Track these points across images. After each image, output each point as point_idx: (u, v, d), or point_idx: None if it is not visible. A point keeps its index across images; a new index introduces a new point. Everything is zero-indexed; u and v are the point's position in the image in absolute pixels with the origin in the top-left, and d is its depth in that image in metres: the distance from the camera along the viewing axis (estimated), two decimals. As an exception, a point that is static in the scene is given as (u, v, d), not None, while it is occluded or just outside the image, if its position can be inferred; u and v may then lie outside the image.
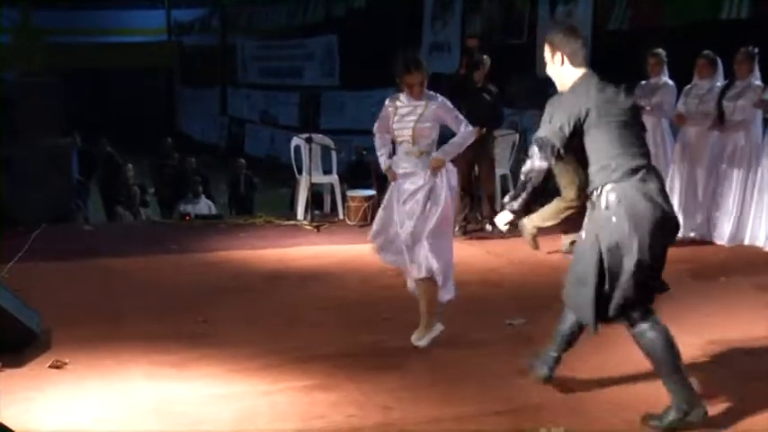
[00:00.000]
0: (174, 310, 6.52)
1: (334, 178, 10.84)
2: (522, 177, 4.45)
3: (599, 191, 4.27)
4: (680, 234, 8.80)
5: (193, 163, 15.80)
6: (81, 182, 14.34)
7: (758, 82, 8.30)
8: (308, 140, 10.26)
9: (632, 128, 4.35)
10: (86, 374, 5.10)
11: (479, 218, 9.56)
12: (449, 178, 5.56)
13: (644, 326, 4.38)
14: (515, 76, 13.68)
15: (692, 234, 8.83)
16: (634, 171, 4.22)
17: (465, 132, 5.64)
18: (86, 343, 5.61)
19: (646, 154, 4.35)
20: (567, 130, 4.25)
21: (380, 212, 5.77)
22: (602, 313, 4.33)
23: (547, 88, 8.63)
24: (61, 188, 10.65)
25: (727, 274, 7.36)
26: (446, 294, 5.56)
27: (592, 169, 4.33)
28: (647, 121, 9.15)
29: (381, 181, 11.17)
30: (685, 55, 8.88)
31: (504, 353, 5.43)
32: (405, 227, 5.50)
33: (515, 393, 4.78)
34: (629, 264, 4.23)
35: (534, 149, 4.34)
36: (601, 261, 4.25)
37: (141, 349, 5.53)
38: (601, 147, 4.27)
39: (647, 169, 4.28)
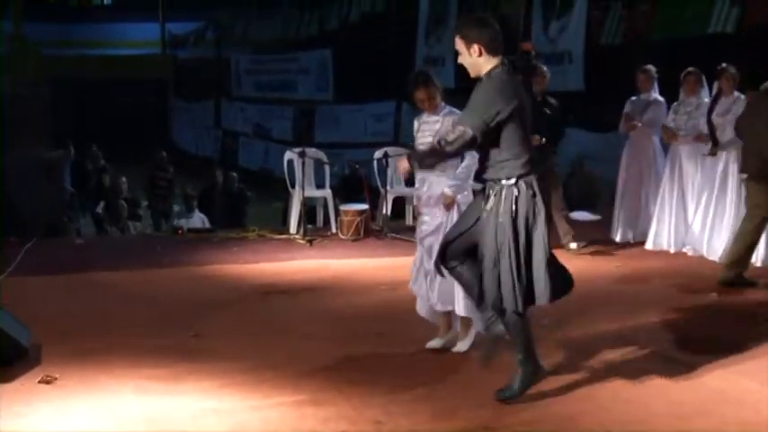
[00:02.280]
0: (166, 324, 6.50)
1: (327, 192, 10.85)
2: (444, 146, 4.59)
3: (512, 181, 4.53)
4: (673, 250, 8.95)
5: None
6: (73, 194, 14.34)
7: (743, 96, 8.34)
8: (301, 154, 10.27)
9: (527, 125, 4.66)
10: (76, 389, 5.08)
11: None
12: (461, 211, 5.53)
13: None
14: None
15: (685, 250, 8.86)
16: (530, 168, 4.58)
17: (471, 160, 5.57)
18: (77, 358, 5.59)
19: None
20: (491, 125, 4.48)
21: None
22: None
23: (542, 101, 8.70)
24: (54, 200, 10.63)
25: (718, 290, 7.36)
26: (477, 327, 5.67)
27: (499, 158, 4.55)
28: (639, 137, 9.25)
29: (374, 195, 11.21)
30: (676, 70, 8.92)
31: (497, 366, 5.41)
32: (425, 262, 5.66)
33: (507, 408, 4.77)
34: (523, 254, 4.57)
35: (463, 134, 4.49)
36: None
37: (132, 364, 5.50)
38: (515, 139, 4.52)
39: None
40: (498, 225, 4.54)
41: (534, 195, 4.56)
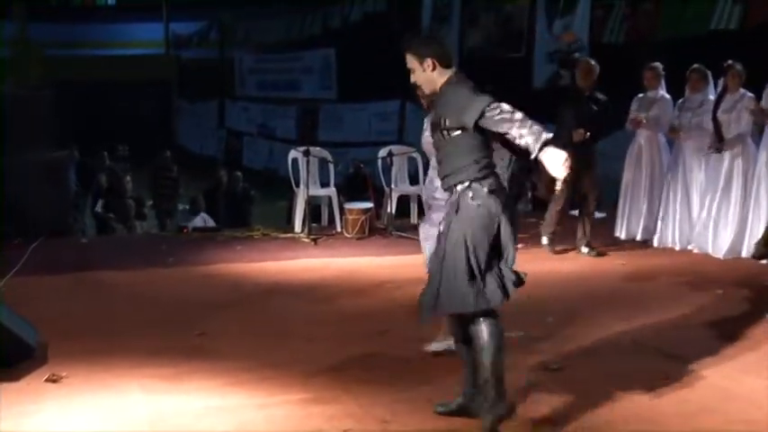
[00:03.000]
0: (171, 323, 6.51)
1: (331, 191, 10.85)
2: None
3: (466, 185, 4.37)
4: (677, 247, 8.94)
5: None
6: (78, 195, 14.34)
7: (749, 94, 8.34)
8: (306, 153, 10.28)
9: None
10: (83, 388, 5.10)
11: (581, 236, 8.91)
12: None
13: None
14: (512, 89, 13.72)
15: (690, 247, 8.86)
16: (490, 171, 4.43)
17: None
18: (83, 356, 5.60)
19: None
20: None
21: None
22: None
23: (544, 100, 8.69)
24: (58, 201, 10.65)
25: (723, 287, 7.36)
26: None
27: (458, 164, 4.41)
28: (645, 134, 9.25)
29: (378, 193, 11.22)
30: (680, 67, 8.92)
31: (506, 367, 5.41)
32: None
33: (511, 406, 4.77)
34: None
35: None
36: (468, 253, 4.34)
37: (138, 362, 5.52)
38: (475, 144, 4.39)
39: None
40: (450, 226, 4.41)
41: (491, 192, 4.37)
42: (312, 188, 10.40)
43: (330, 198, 10.87)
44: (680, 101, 8.85)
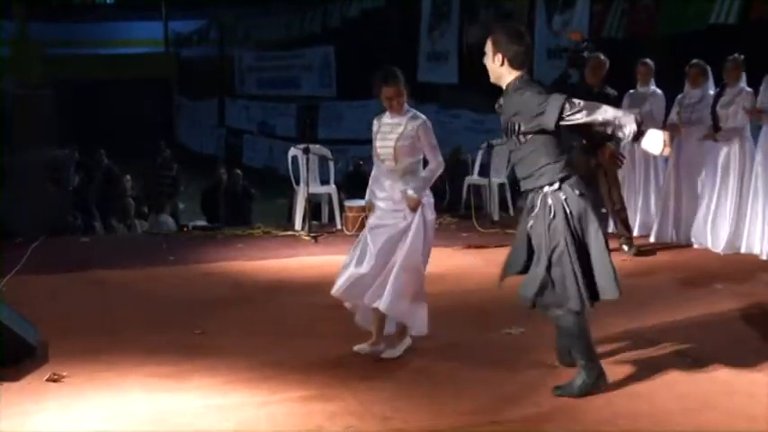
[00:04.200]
0: (172, 321, 6.51)
1: (331, 188, 10.85)
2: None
3: (555, 186, 4.59)
4: (676, 241, 8.95)
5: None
6: (78, 193, 14.34)
7: (748, 88, 8.34)
8: (306, 151, 10.27)
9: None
10: (84, 387, 5.10)
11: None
12: (424, 213, 5.46)
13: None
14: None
15: (689, 242, 8.86)
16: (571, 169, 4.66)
17: (436, 164, 5.53)
18: (84, 355, 5.61)
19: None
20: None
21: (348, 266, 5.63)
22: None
23: (598, 92, 8.61)
24: (58, 200, 10.65)
25: (722, 282, 7.36)
26: (414, 331, 5.60)
27: (538, 165, 4.63)
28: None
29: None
30: (679, 63, 8.91)
31: (503, 361, 5.43)
32: (368, 260, 5.45)
33: (512, 402, 4.78)
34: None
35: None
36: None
37: (139, 361, 5.52)
38: (554, 143, 4.60)
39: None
40: (551, 228, 4.59)
41: (581, 195, 4.61)
42: (312, 186, 10.39)
43: (330, 196, 10.86)
44: (679, 96, 8.84)
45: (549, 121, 4.46)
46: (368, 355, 5.53)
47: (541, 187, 4.61)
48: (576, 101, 4.47)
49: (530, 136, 4.58)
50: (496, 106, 4.86)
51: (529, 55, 4.70)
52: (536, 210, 4.64)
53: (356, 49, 20.65)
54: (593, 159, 8.23)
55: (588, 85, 8.43)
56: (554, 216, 4.57)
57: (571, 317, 4.72)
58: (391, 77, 5.44)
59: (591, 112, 4.46)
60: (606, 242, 4.69)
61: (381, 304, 5.39)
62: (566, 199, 4.57)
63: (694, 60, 8.75)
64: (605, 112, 4.46)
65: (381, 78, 5.46)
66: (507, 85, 4.66)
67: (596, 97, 8.19)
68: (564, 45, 14.19)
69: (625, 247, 8.58)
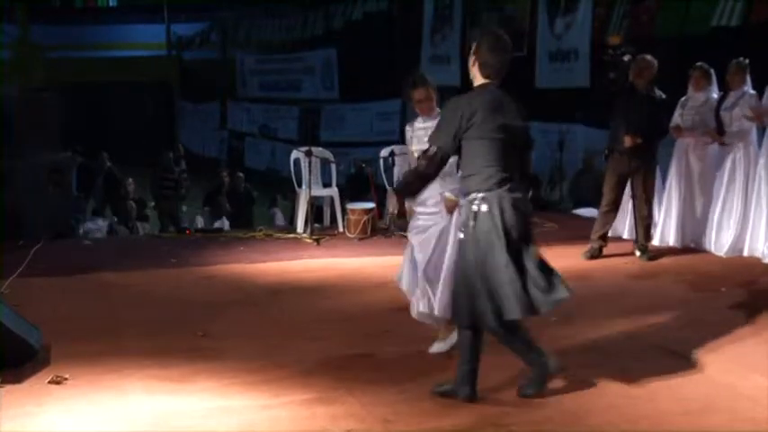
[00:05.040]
0: (174, 324, 6.51)
1: (333, 191, 10.85)
2: (421, 170, 4.68)
3: (472, 196, 4.57)
4: (679, 245, 8.94)
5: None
6: (80, 196, 14.36)
7: (751, 91, 8.34)
8: (308, 154, 10.28)
9: (506, 146, 4.59)
10: (86, 389, 5.10)
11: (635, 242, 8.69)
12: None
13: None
14: (515, 88, 13.70)
15: (692, 245, 8.85)
16: (503, 181, 4.54)
17: None
18: (86, 358, 5.60)
19: (513, 170, 4.61)
20: (456, 139, 4.55)
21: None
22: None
23: (545, 99, 8.64)
24: (60, 203, 10.66)
25: (726, 285, 7.35)
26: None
27: (464, 173, 4.66)
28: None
29: (380, 193, 11.20)
30: (681, 66, 8.90)
31: (504, 364, 5.41)
32: (420, 258, 5.53)
33: (514, 406, 4.77)
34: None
35: (434, 154, 4.60)
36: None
37: (141, 364, 5.52)
38: (479, 155, 4.56)
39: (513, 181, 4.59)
40: (459, 241, 4.62)
41: (502, 213, 4.51)
42: (314, 188, 10.40)
43: (332, 198, 10.87)
44: (682, 99, 8.83)
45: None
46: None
47: (464, 195, 4.67)
48: (443, 140, 4.58)
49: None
50: None
51: (502, 67, 4.66)
52: (454, 218, 4.79)
53: (358, 52, 20.65)
54: (632, 161, 8.24)
55: (634, 87, 8.30)
56: (464, 228, 4.62)
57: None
58: (420, 81, 5.59)
59: (424, 160, 4.65)
60: (520, 264, 4.58)
61: (437, 311, 5.45)
62: (476, 213, 4.54)
63: (698, 63, 8.74)
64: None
65: (410, 83, 5.61)
66: (474, 88, 4.73)
67: (641, 100, 8.17)
68: (565, 48, 14.22)
69: (638, 253, 8.54)
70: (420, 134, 5.62)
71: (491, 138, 4.54)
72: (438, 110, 5.61)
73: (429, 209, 5.56)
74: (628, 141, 8.15)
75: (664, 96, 8.36)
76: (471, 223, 4.55)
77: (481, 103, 4.57)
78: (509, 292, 4.52)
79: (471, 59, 4.70)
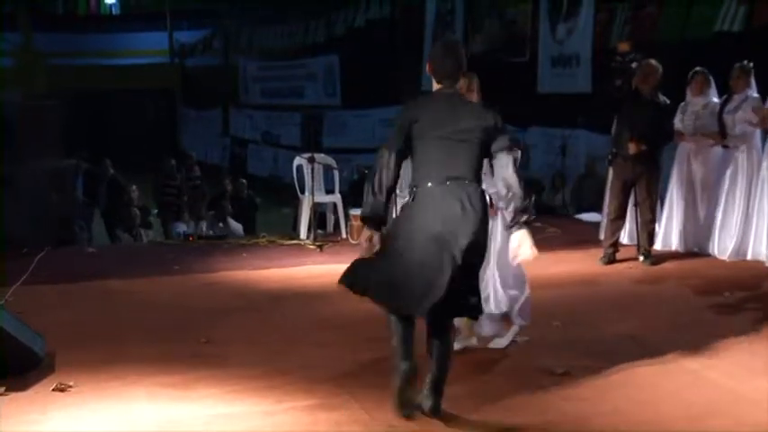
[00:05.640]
0: (177, 330, 6.52)
1: (336, 197, 10.86)
2: (369, 179, 4.80)
3: (406, 191, 4.73)
4: (682, 249, 8.94)
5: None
6: (85, 204, 14.37)
7: (755, 95, 8.34)
8: (311, 160, 10.29)
9: (456, 147, 4.58)
10: (90, 397, 5.10)
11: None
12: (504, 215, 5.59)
13: None
14: (517, 94, 13.72)
15: (695, 249, 8.85)
16: (445, 179, 4.55)
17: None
18: (90, 365, 5.61)
19: (459, 169, 4.59)
20: (401, 139, 4.64)
21: None
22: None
23: (547, 105, 8.63)
24: (64, 210, 10.67)
25: (729, 290, 7.35)
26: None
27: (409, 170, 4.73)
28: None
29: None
30: (685, 70, 8.90)
31: (508, 370, 5.43)
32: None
33: (518, 410, 4.77)
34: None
35: (380, 156, 4.74)
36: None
37: (145, 370, 5.53)
38: (417, 156, 4.64)
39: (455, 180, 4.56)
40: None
41: (409, 204, 4.67)
42: (317, 195, 10.41)
43: (335, 204, 10.88)
44: (681, 104, 8.82)
45: None
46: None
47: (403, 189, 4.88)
48: (390, 142, 4.72)
49: None
50: None
51: (452, 71, 4.72)
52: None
53: (360, 59, 20.68)
54: (637, 167, 8.26)
55: (639, 92, 8.30)
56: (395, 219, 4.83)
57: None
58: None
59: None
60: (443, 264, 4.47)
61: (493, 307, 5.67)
62: (410, 203, 4.68)
63: (697, 68, 8.74)
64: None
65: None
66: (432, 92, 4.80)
67: (646, 105, 8.17)
68: (567, 54, 14.23)
69: (641, 258, 8.53)
70: None
71: (432, 138, 4.59)
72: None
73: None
74: (633, 148, 8.16)
75: (668, 102, 8.36)
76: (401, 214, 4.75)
77: (426, 107, 4.68)
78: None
79: (427, 68, 4.81)
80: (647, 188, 8.39)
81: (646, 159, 8.27)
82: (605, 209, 9.06)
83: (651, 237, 8.57)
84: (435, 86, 4.78)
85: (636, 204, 8.51)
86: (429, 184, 4.56)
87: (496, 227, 5.65)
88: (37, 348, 5.56)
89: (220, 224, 13.77)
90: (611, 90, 8.84)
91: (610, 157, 8.58)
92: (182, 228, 14.79)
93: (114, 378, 5.39)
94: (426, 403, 4.59)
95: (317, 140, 21.19)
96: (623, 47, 9.42)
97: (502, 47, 16.02)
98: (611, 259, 8.53)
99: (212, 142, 28.97)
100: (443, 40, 4.94)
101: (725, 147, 8.54)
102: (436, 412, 4.58)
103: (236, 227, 14.01)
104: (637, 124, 8.18)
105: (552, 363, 5.40)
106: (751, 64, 8.39)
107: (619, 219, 8.56)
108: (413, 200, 4.63)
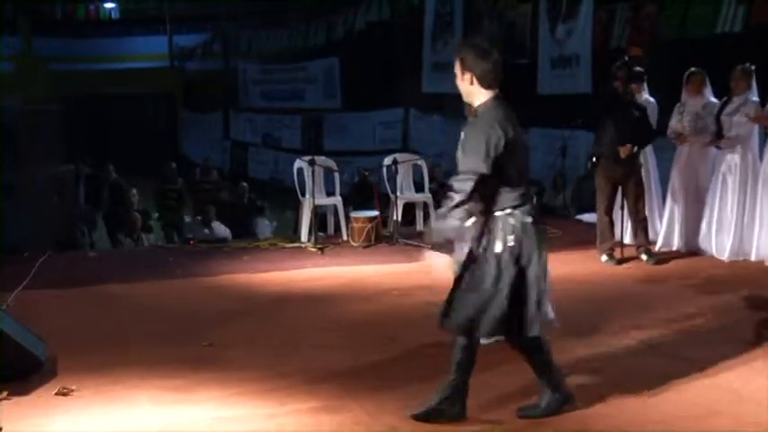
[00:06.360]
0: (179, 334, 6.52)
1: (337, 200, 10.86)
2: (451, 211, 4.34)
3: (506, 212, 4.43)
4: (683, 249, 8.93)
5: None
6: (88, 208, 14.38)
7: (755, 97, 8.33)
8: (311, 163, 10.30)
9: (522, 158, 4.55)
10: (93, 401, 5.11)
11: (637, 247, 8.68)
12: None
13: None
14: (517, 95, 13.71)
15: (695, 249, 8.84)
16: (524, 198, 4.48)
17: None
18: (92, 369, 5.62)
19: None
20: (491, 159, 4.34)
21: None
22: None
23: (548, 106, 8.61)
24: (65, 215, 10.68)
25: (729, 289, 7.35)
26: None
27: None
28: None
29: (384, 201, 11.22)
30: (683, 71, 8.89)
31: (511, 371, 5.42)
32: None
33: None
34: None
35: (468, 183, 4.32)
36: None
37: (147, 374, 5.53)
38: (508, 172, 4.40)
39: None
40: (492, 256, 4.44)
41: (527, 226, 4.45)
42: (318, 197, 10.41)
43: (336, 207, 10.88)
44: (678, 104, 8.81)
45: (460, 166, 4.41)
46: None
47: (493, 212, 4.48)
48: (461, 186, 4.32)
49: None
50: (464, 127, 4.63)
51: (497, 73, 4.51)
52: (485, 235, 4.47)
53: (360, 61, 20.69)
54: (625, 167, 8.28)
55: (619, 95, 8.44)
56: (498, 243, 4.45)
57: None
58: None
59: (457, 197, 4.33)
60: (543, 283, 4.58)
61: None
62: (513, 226, 4.43)
63: (693, 69, 8.74)
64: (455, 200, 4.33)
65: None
66: (478, 107, 4.52)
67: (628, 107, 8.36)
68: (567, 54, 14.22)
69: (644, 257, 8.55)
70: None
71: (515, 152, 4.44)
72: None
73: None
74: (624, 152, 8.23)
75: (647, 103, 8.54)
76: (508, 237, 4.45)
77: (507, 119, 4.46)
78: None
79: (462, 76, 4.52)
80: (636, 187, 8.51)
81: (632, 160, 8.40)
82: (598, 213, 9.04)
83: (647, 232, 8.65)
84: (485, 95, 4.49)
85: (622, 206, 8.61)
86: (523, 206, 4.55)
87: None
88: (39, 353, 5.57)
89: (206, 230, 13.73)
90: (609, 92, 8.81)
91: (594, 159, 8.56)
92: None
93: (116, 382, 5.40)
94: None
95: (317, 143, 21.22)
96: (635, 52, 9.42)
97: (501, 48, 15.98)
98: (618, 258, 8.59)
99: (213, 146, 28.99)
100: (474, 43, 4.62)
101: (718, 148, 8.53)
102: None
103: (222, 231, 13.99)
104: (624, 127, 8.29)
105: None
106: (753, 66, 8.38)
107: (611, 221, 8.67)
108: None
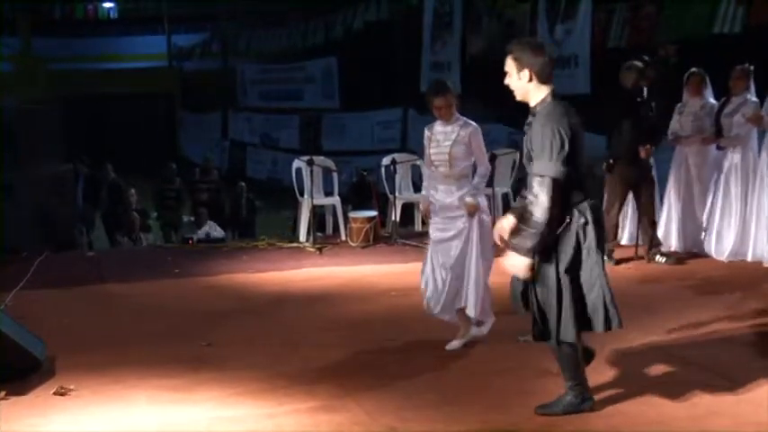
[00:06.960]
0: (178, 334, 6.52)
1: (335, 200, 10.86)
2: (538, 217, 4.32)
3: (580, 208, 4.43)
4: (681, 250, 8.93)
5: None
6: (86, 208, 14.37)
7: (754, 98, 8.33)
8: (310, 163, 10.29)
9: (584, 152, 4.53)
10: (91, 400, 5.10)
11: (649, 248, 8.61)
12: (481, 216, 5.83)
13: None
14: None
15: (695, 250, 8.83)
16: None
17: (485, 169, 5.97)
18: (90, 369, 5.61)
19: None
20: (566, 161, 4.33)
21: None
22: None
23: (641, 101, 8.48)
24: (63, 215, 10.67)
25: (728, 290, 7.35)
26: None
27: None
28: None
29: (382, 201, 11.22)
30: (684, 71, 8.89)
31: (512, 371, 5.42)
32: (443, 265, 5.83)
33: (520, 412, 4.77)
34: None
35: (547, 186, 4.30)
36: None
37: (145, 374, 5.53)
38: (576, 170, 4.40)
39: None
40: (560, 254, 4.43)
41: (587, 224, 4.43)
42: (316, 197, 10.41)
43: (334, 207, 10.88)
44: (678, 105, 8.81)
45: (534, 169, 4.38)
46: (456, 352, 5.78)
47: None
48: (553, 166, 4.30)
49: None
50: (525, 126, 4.61)
51: (553, 68, 4.51)
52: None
53: (359, 61, 20.68)
54: (641, 170, 8.28)
55: (632, 94, 8.38)
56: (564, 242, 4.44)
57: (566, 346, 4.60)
58: (441, 89, 5.85)
59: (540, 200, 4.32)
60: (604, 275, 4.60)
61: (470, 310, 5.80)
62: (571, 224, 4.42)
63: (693, 69, 8.74)
64: (544, 198, 4.30)
65: (432, 90, 5.85)
66: (536, 105, 4.49)
67: (641, 106, 8.35)
68: (565, 55, 14.21)
69: (663, 259, 8.50)
70: (439, 138, 5.87)
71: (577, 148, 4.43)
72: (458, 115, 5.84)
73: (454, 212, 5.80)
74: (644, 153, 8.27)
75: (658, 103, 8.51)
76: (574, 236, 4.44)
77: (568, 114, 4.45)
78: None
79: (519, 74, 4.47)
80: (650, 187, 8.54)
81: (646, 162, 8.41)
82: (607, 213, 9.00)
83: (656, 235, 8.64)
84: (543, 91, 4.48)
85: (640, 206, 8.59)
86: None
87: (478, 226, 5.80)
88: (37, 352, 5.56)
89: (198, 231, 13.72)
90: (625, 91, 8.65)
91: (611, 161, 8.49)
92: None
93: (115, 381, 5.39)
94: None
95: (315, 143, 21.21)
96: (669, 51, 9.30)
97: (500, 48, 15.99)
98: (617, 259, 8.57)
99: (211, 146, 28.98)
100: (526, 39, 4.59)
101: (719, 148, 8.54)
102: None
103: (217, 233, 13.97)
104: (641, 127, 8.30)
105: (552, 363, 5.39)
106: (751, 66, 8.38)
107: (618, 221, 8.68)
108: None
